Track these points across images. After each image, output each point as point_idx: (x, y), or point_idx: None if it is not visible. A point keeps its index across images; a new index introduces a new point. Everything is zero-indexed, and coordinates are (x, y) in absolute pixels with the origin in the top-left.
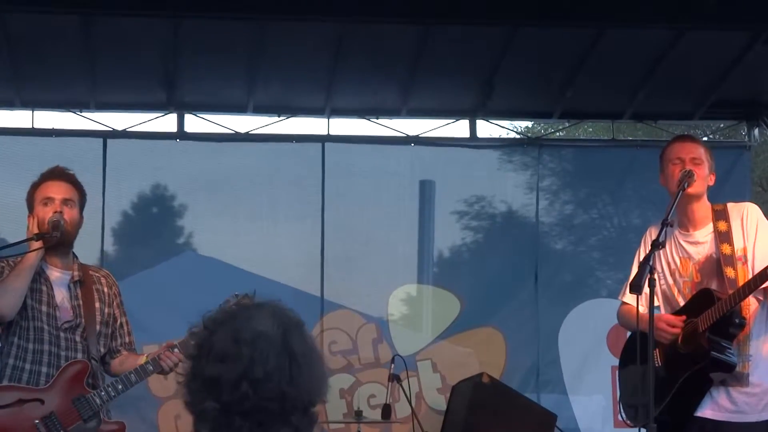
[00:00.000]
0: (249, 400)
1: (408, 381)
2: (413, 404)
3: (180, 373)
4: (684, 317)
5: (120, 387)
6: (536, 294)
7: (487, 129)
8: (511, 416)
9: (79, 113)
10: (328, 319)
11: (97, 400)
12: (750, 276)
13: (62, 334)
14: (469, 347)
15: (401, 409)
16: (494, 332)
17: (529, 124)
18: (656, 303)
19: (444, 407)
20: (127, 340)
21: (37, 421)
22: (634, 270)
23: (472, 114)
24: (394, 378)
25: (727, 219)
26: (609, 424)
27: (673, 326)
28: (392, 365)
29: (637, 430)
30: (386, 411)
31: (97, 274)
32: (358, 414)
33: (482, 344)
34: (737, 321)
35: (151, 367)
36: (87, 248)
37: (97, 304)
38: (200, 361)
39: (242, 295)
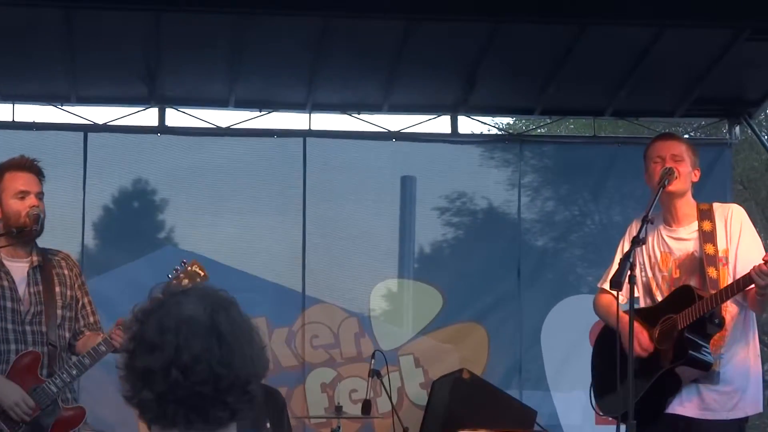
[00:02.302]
0: (181, 386)
1: (388, 376)
2: (396, 399)
3: (119, 367)
4: (653, 347)
5: (74, 372)
6: (519, 290)
7: (468, 125)
8: (491, 412)
9: (59, 107)
10: (310, 313)
11: (53, 388)
12: (730, 278)
13: (28, 328)
14: (452, 342)
15: (383, 404)
16: (477, 327)
17: (511, 120)
18: (636, 294)
19: (426, 402)
20: (91, 320)
21: None
22: (617, 260)
23: (453, 110)
24: (375, 374)
25: (712, 219)
26: (590, 420)
27: (643, 350)
28: (372, 360)
29: (615, 426)
30: (366, 406)
31: (56, 257)
32: (338, 409)
33: (465, 339)
34: (716, 321)
35: (103, 348)
36: (67, 242)
37: (57, 288)
38: (133, 354)
39: (189, 263)
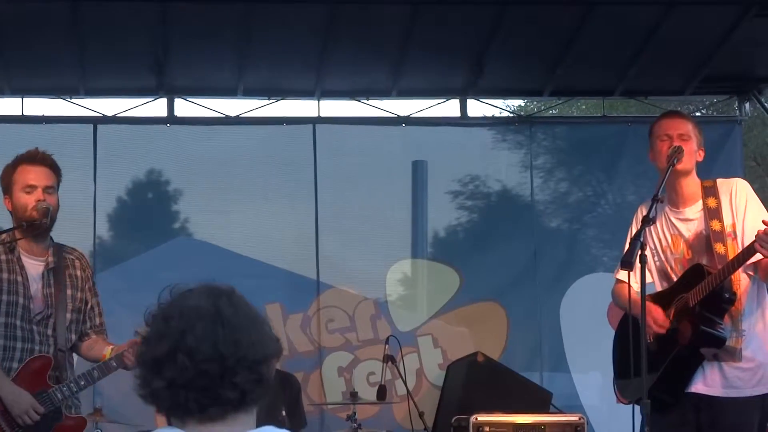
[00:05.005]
0: (188, 369)
1: (402, 361)
2: (414, 381)
3: (137, 377)
4: (669, 323)
5: (83, 383)
6: (535, 271)
7: (478, 108)
8: (506, 394)
9: (68, 99)
10: (324, 297)
11: (59, 396)
12: (739, 251)
13: (35, 328)
14: (471, 321)
15: (402, 386)
16: (496, 306)
17: (522, 103)
18: (650, 279)
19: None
20: (97, 322)
21: None
22: (627, 247)
23: (462, 93)
24: (389, 359)
25: (716, 195)
26: (609, 400)
27: (659, 326)
28: (386, 346)
29: (631, 406)
30: (381, 392)
31: (71, 256)
32: (353, 395)
33: (484, 319)
34: (727, 296)
35: (114, 363)
36: (80, 234)
37: (68, 291)
38: (144, 350)
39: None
